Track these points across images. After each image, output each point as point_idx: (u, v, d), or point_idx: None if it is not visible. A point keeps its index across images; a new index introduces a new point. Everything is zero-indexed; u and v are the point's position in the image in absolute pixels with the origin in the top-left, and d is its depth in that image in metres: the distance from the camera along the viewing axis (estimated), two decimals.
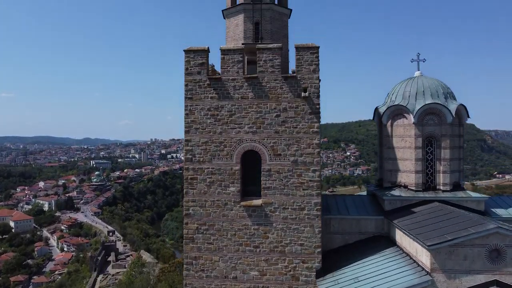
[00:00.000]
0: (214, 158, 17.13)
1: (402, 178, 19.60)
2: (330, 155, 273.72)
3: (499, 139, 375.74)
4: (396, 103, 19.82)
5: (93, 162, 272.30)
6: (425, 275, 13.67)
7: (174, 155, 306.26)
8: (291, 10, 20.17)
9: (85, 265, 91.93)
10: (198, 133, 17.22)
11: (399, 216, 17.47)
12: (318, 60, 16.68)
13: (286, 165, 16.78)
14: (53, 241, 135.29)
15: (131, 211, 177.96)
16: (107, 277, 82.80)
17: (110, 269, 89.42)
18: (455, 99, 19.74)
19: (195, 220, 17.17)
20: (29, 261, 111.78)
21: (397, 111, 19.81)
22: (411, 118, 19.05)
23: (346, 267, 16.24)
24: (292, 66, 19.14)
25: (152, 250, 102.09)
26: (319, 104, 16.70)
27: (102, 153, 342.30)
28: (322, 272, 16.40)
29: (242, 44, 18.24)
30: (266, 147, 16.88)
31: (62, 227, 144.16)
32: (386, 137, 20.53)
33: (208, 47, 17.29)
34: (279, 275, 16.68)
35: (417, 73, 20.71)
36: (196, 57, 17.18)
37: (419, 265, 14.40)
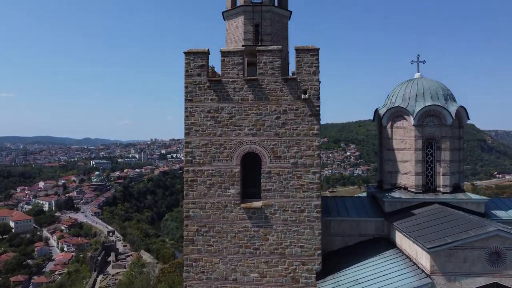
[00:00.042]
0: (214, 160, 17.13)
1: (402, 180, 19.60)
2: (330, 155, 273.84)
3: (499, 139, 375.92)
4: (396, 105, 19.82)
5: (93, 162, 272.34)
6: (425, 277, 13.67)
7: (174, 155, 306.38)
8: (291, 11, 20.18)
9: (85, 265, 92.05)
10: (198, 135, 17.23)
11: (399, 218, 17.47)
12: (318, 62, 16.67)
13: (286, 167, 16.78)
14: (53, 241, 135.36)
15: (131, 211, 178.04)
16: (107, 277, 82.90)
17: (110, 269, 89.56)
18: (455, 101, 19.75)
19: (195, 222, 17.18)
20: (29, 261, 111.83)
21: (397, 113, 19.82)
22: (411, 120, 19.06)
23: (346, 269, 16.24)
24: (292, 67, 19.17)
25: (152, 250, 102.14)
26: (319, 106, 16.70)
27: (102, 153, 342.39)
28: (322, 274, 16.40)
29: (242, 46, 18.25)
30: (266, 149, 16.88)
31: (62, 227, 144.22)
32: (386, 139, 20.53)
33: (208, 49, 17.29)
34: (279, 277, 16.67)
35: (417, 75, 20.72)
36: (196, 59, 17.18)
37: (419, 268, 14.40)
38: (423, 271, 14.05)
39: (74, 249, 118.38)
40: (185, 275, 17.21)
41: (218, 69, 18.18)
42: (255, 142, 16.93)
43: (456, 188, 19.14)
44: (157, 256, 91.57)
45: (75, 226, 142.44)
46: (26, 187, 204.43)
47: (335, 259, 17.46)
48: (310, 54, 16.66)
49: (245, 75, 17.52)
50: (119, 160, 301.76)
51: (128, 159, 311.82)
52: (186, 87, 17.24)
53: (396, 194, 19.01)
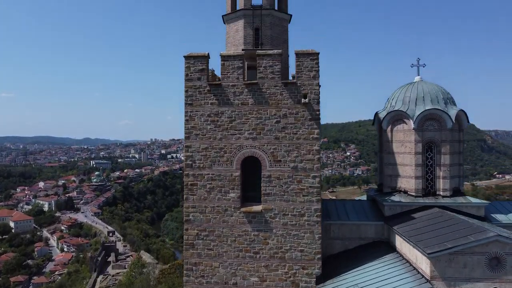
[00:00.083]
0: (214, 164, 17.14)
1: (402, 183, 19.61)
2: (330, 155, 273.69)
3: (499, 139, 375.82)
4: (396, 108, 19.83)
5: (93, 162, 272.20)
6: (425, 282, 13.69)
7: (174, 155, 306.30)
8: (291, 15, 20.18)
9: (85, 266, 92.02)
10: (198, 139, 17.23)
11: (399, 222, 17.49)
12: (318, 66, 16.68)
13: (286, 171, 16.79)
14: (53, 242, 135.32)
15: (131, 211, 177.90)
16: (107, 277, 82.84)
17: (110, 270, 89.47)
18: (455, 104, 19.75)
19: (195, 226, 17.18)
20: (29, 261, 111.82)
21: (397, 117, 19.82)
22: (411, 124, 19.06)
23: (346, 273, 16.26)
24: (292, 71, 19.20)
25: (152, 250, 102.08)
26: (319, 110, 16.71)
27: (102, 153, 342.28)
28: (322, 278, 16.41)
29: (242, 50, 18.26)
30: (266, 153, 16.89)
31: (62, 228, 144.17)
32: (386, 142, 20.54)
33: (208, 53, 17.30)
34: (279, 281, 16.68)
35: (417, 78, 20.73)
36: (196, 63, 17.18)
37: (419, 272, 14.42)
38: (423, 276, 14.06)
39: (74, 249, 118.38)
40: (185, 279, 17.22)
41: (218, 72, 18.20)
42: (255, 146, 16.94)
43: (456, 192, 19.15)
44: (157, 257, 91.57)
45: (75, 226, 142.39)
46: (26, 187, 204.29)
47: (335, 263, 17.47)
48: (310, 58, 16.66)
49: (245, 79, 17.53)
50: (119, 160, 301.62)
51: (128, 159, 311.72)
52: (186, 91, 17.25)
53: (396, 197, 19.02)
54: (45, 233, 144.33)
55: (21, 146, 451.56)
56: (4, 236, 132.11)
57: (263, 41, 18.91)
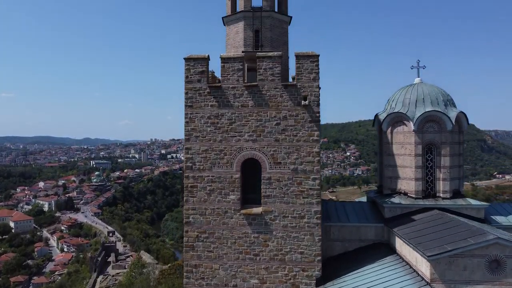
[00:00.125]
0: (214, 166, 17.15)
1: (402, 185, 19.62)
2: (330, 155, 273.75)
3: (499, 139, 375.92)
4: (396, 110, 19.84)
5: (93, 162, 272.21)
6: (425, 285, 13.68)
7: (174, 155, 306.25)
8: (291, 17, 20.19)
9: (85, 266, 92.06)
10: (198, 141, 17.23)
11: (399, 224, 17.48)
12: (318, 69, 16.68)
13: (286, 173, 16.79)
14: (53, 242, 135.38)
15: (131, 211, 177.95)
16: (107, 277, 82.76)
17: (110, 270, 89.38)
18: (455, 106, 19.76)
19: (195, 228, 17.19)
20: (29, 261, 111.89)
21: (397, 118, 19.83)
22: (411, 126, 19.07)
23: (346, 275, 16.25)
24: (292, 72, 19.20)
25: (152, 250, 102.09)
26: (319, 113, 16.71)
27: (102, 153, 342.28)
28: (322, 280, 16.42)
29: (242, 52, 18.26)
30: (266, 155, 16.89)
31: (62, 228, 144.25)
32: (386, 144, 20.55)
33: (208, 55, 17.30)
34: (279, 284, 16.68)
35: (417, 80, 20.73)
36: (196, 65, 17.18)
37: (419, 275, 14.41)
38: (423, 278, 14.06)
39: (74, 249, 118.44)
40: (185, 281, 17.22)
41: (218, 74, 18.21)
42: (255, 148, 16.94)
43: (456, 194, 19.16)
44: (157, 257, 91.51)
45: (75, 227, 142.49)
46: (26, 187, 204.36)
47: (335, 265, 17.48)
48: (310, 60, 16.66)
49: (245, 81, 17.53)
50: (119, 160, 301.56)
51: (128, 159, 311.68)
52: (186, 93, 17.25)
53: (396, 199, 19.02)
54: (45, 233, 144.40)
55: (21, 146, 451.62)
56: (4, 236, 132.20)
57: (263, 43, 18.92)
